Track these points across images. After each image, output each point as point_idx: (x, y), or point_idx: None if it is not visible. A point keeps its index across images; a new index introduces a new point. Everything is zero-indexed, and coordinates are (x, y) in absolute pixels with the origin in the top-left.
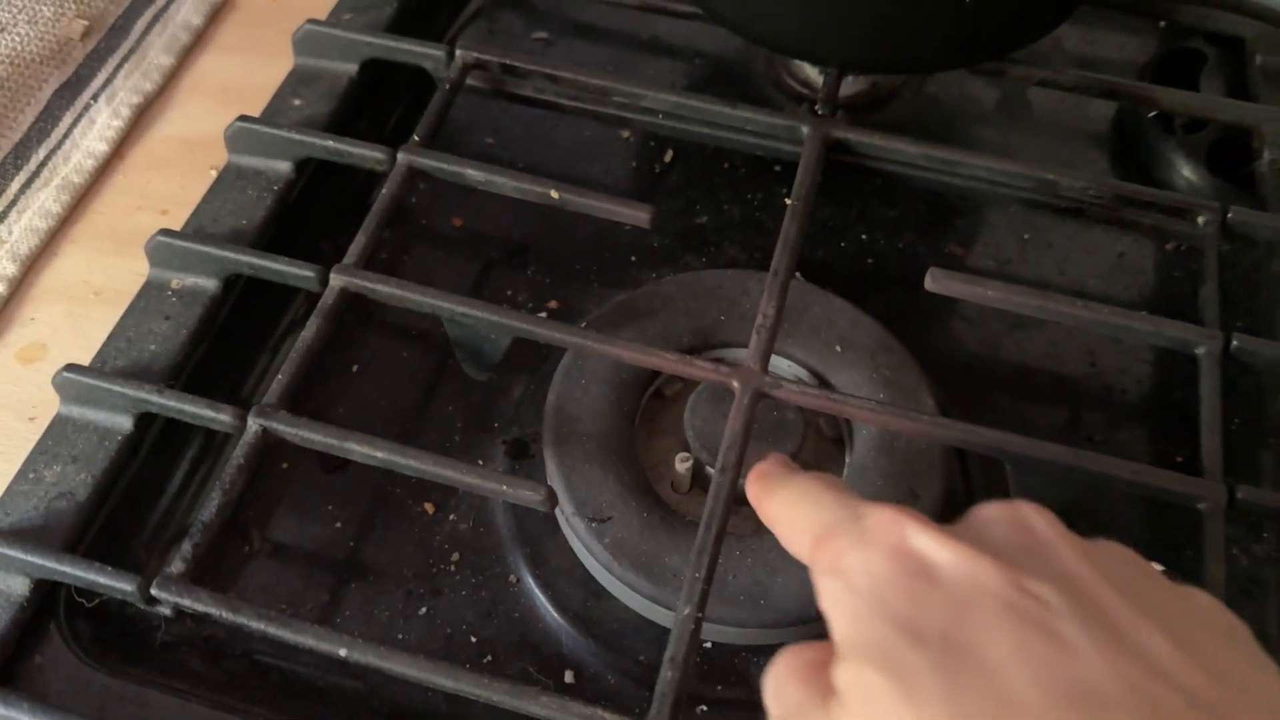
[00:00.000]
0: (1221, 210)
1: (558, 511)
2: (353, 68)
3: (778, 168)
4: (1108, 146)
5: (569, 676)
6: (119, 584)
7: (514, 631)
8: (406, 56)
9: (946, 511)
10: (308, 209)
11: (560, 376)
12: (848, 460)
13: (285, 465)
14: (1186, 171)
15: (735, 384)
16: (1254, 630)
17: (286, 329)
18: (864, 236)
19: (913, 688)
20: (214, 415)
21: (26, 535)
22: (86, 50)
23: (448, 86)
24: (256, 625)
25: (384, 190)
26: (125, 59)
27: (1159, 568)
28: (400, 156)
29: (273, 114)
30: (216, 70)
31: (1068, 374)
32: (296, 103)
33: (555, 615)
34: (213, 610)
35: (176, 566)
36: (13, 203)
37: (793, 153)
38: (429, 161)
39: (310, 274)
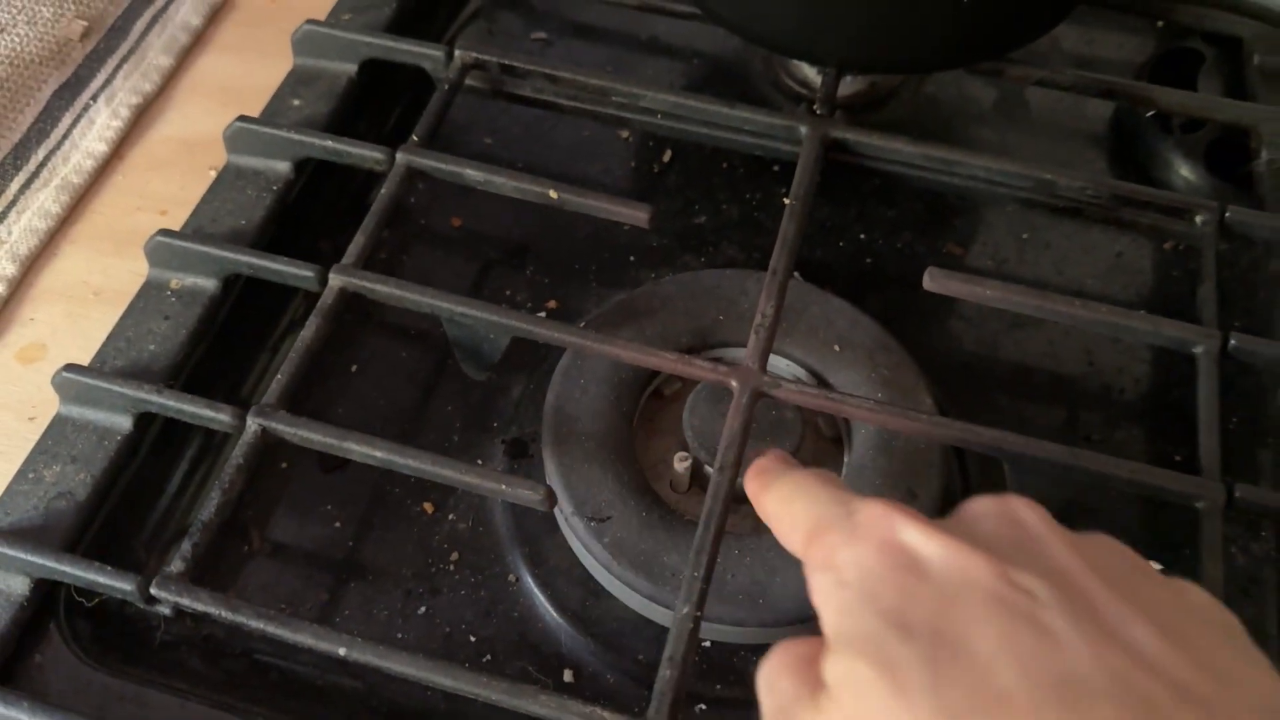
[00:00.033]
0: (1219, 210)
1: (557, 511)
2: (352, 68)
3: (776, 167)
4: (1105, 146)
5: (568, 675)
6: (119, 583)
7: (513, 631)
8: (405, 57)
9: (945, 510)
10: (307, 209)
11: (559, 376)
12: (846, 459)
13: (284, 465)
14: (1184, 171)
15: (734, 383)
16: (1252, 629)
17: (286, 329)
18: (862, 236)
19: (900, 680)
20: (213, 415)
21: (26, 535)
22: (86, 51)
23: (447, 87)
24: (256, 624)
25: (383, 190)
26: (124, 59)
27: (1157, 566)
28: (399, 156)
29: (272, 114)
30: (216, 71)
31: (1066, 373)
32: (296, 103)
33: (554, 614)
34: (212, 610)
35: (176, 566)
36: (12, 203)
37: (791, 152)
38: (428, 161)
39: (309, 274)
